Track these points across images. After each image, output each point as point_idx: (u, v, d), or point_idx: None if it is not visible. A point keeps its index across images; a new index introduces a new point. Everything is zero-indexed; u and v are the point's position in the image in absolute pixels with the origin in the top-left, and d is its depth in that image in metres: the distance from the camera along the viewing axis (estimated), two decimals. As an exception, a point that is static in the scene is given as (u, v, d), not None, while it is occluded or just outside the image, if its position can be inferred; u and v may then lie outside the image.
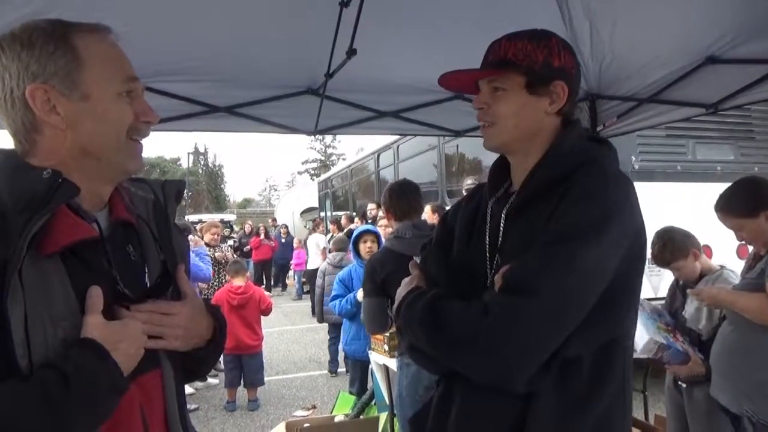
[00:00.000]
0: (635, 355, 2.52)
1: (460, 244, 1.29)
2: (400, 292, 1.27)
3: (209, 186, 53.79)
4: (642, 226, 1.12)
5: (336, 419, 4.04)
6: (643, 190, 4.80)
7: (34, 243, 0.83)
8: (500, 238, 1.20)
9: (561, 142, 1.19)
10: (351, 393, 4.86)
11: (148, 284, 1.03)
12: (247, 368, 5.50)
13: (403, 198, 2.99)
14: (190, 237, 6.38)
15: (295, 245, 13.61)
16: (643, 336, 2.60)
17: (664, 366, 2.71)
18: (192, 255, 5.55)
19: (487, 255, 1.21)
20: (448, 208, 1.50)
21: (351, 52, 2.44)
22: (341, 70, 2.68)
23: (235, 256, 6.83)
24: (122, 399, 0.90)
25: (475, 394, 1.12)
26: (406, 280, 1.30)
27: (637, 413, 3.31)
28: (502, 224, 1.20)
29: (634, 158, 4.96)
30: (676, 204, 4.54)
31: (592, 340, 1.08)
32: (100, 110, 0.94)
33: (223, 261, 6.42)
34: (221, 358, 5.88)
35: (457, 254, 1.28)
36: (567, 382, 1.06)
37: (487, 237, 1.23)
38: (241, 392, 5.61)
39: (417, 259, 1.36)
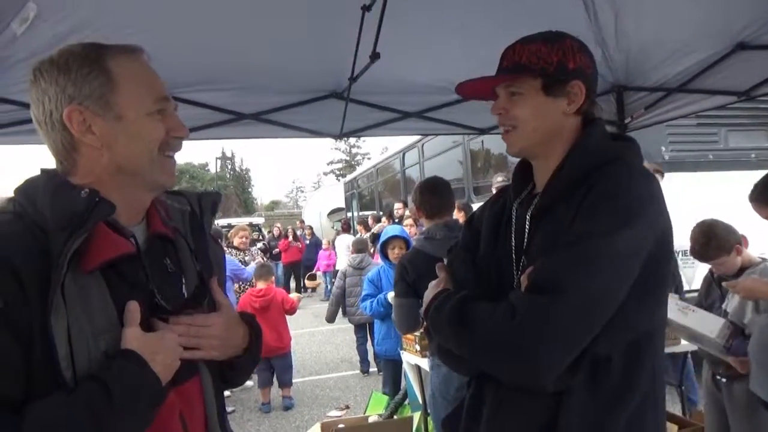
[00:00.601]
0: (712, 338, 2.49)
1: (487, 246, 1.30)
2: (428, 294, 1.28)
3: (237, 190, 54.44)
4: (668, 222, 1.12)
5: (370, 419, 4.07)
6: (675, 180, 4.76)
7: (74, 260, 0.87)
8: (526, 240, 1.20)
9: (583, 141, 1.19)
10: (384, 393, 4.88)
11: (186, 295, 1.06)
12: (276, 369, 5.60)
13: (434, 196, 2.96)
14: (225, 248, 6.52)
15: (324, 246, 13.69)
16: (718, 320, 2.56)
17: (725, 357, 2.60)
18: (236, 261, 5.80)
19: (513, 257, 1.22)
20: (474, 206, 1.50)
21: (375, 56, 2.46)
22: (365, 73, 2.71)
23: (264, 259, 6.91)
24: (163, 407, 0.94)
25: (506, 395, 1.13)
26: (433, 282, 1.32)
27: (675, 408, 3.26)
28: (527, 226, 1.21)
29: (664, 149, 4.88)
30: (709, 194, 4.45)
31: (621, 338, 1.08)
32: (133, 129, 0.97)
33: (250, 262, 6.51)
34: None
35: (483, 256, 1.29)
36: (598, 380, 1.06)
37: (513, 239, 1.24)
38: (276, 393, 5.68)
39: (445, 261, 1.38)
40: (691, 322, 2.63)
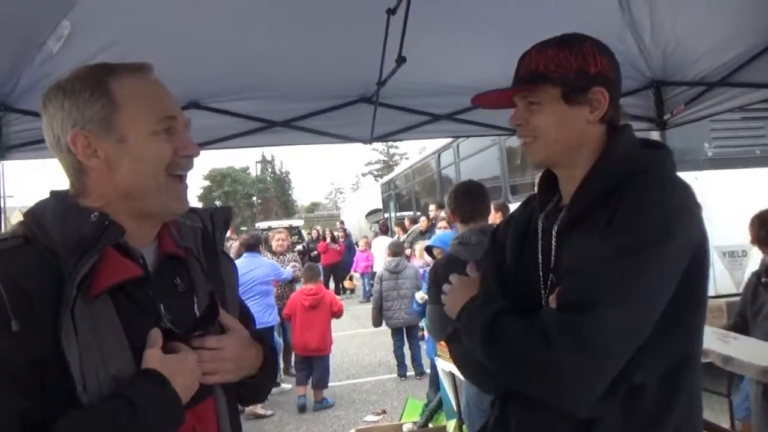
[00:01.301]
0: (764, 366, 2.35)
1: (513, 261, 1.25)
2: (455, 293, 1.23)
3: (277, 192, 55.29)
4: (704, 233, 1.05)
5: (404, 427, 4.04)
6: (719, 178, 4.55)
7: (84, 283, 0.87)
8: (553, 257, 1.15)
9: (610, 151, 1.13)
10: (428, 395, 4.84)
11: (197, 314, 1.06)
12: (314, 370, 5.66)
13: (467, 200, 2.89)
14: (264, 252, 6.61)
15: (361, 247, 13.74)
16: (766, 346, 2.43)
17: None
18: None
19: (540, 274, 1.17)
20: (511, 207, 1.45)
21: (401, 59, 2.44)
22: (393, 77, 2.69)
23: (297, 265, 6.93)
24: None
25: (532, 418, 1.09)
26: (461, 279, 1.27)
27: (722, 419, 3.11)
28: (553, 241, 1.15)
29: (707, 145, 4.67)
30: (756, 191, 4.23)
31: (658, 362, 1.02)
32: (136, 150, 0.96)
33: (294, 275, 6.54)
34: (292, 358, 6.08)
35: (509, 272, 1.24)
36: (633, 405, 1.01)
37: (539, 255, 1.18)
38: (311, 395, 5.73)
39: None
40: (735, 351, 2.48)
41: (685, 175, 1.11)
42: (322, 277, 6.60)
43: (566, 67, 1.11)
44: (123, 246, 0.96)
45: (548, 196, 1.25)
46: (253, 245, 5.81)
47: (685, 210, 1.02)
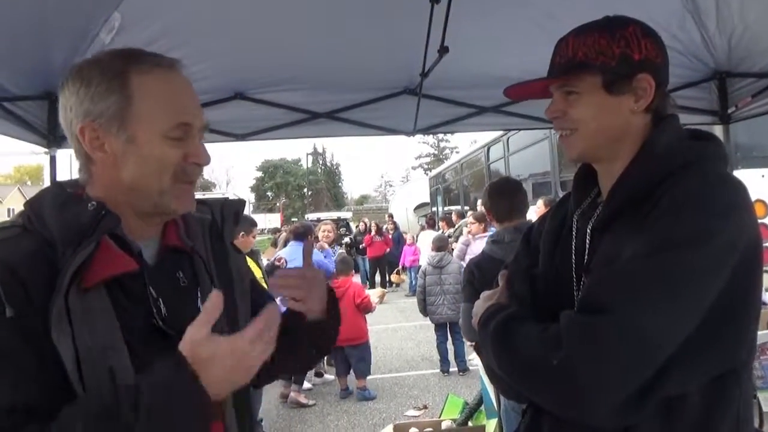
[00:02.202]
0: None
1: (545, 262, 1.17)
2: (479, 304, 1.18)
3: (328, 184, 55.96)
4: (756, 233, 0.94)
5: (443, 424, 3.99)
6: (790, 175, 4.23)
7: (79, 274, 0.85)
8: (587, 256, 1.07)
9: (653, 142, 1.03)
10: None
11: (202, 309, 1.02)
12: (351, 359, 5.71)
13: (502, 198, 2.80)
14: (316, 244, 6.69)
15: (408, 241, 13.70)
16: None
17: None
18: (320, 254, 6.00)
19: (574, 275, 1.08)
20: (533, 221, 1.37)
21: (443, 49, 2.38)
22: (436, 68, 2.62)
23: (339, 254, 7.01)
24: None
25: (563, 429, 1.01)
26: (487, 293, 1.21)
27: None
28: (588, 240, 1.07)
29: (775, 141, 4.39)
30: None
31: (699, 374, 0.92)
32: (145, 151, 0.93)
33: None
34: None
35: (542, 273, 1.16)
36: (673, 417, 0.92)
37: (572, 255, 1.10)
38: (353, 385, 5.74)
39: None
40: None
41: (751, 173, 1.01)
42: (354, 271, 6.59)
43: (608, 54, 1.02)
44: (121, 238, 0.93)
45: (585, 192, 1.16)
46: (302, 234, 5.86)
47: (732, 208, 0.91)
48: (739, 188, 0.94)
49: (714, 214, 0.90)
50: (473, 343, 3.75)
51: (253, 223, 5.00)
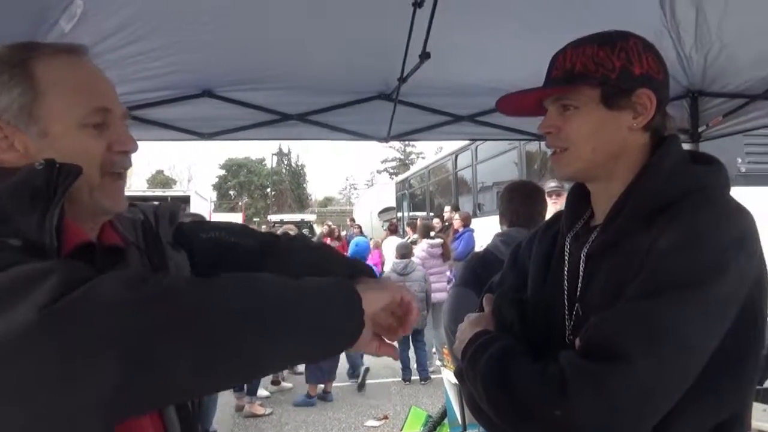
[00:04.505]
0: None
1: (535, 287, 1.10)
2: (464, 330, 1.08)
3: (292, 185, 55.45)
4: (764, 268, 0.89)
5: (407, 438, 3.91)
6: (752, 195, 4.36)
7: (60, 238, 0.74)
8: (580, 284, 0.99)
9: (655, 165, 0.96)
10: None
11: None
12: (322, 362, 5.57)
13: (523, 203, 2.49)
14: None
15: (371, 246, 13.60)
16: None
17: None
18: None
19: (566, 303, 1.01)
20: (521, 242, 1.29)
21: (425, 55, 2.31)
22: (415, 74, 2.55)
23: None
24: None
25: None
26: (472, 317, 1.12)
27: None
28: (581, 266, 1.00)
29: (740, 160, 4.49)
30: (792, 211, 4.04)
31: (703, 420, 0.87)
32: (62, 145, 0.83)
33: None
34: None
35: (531, 299, 1.09)
36: None
37: (565, 281, 1.03)
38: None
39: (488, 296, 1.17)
40: None
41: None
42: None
43: (608, 66, 0.96)
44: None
45: (578, 213, 1.09)
46: None
47: (743, 240, 0.86)
48: (749, 218, 0.88)
49: (726, 249, 0.84)
50: (444, 351, 3.67)
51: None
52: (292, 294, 0.72)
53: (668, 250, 0.85)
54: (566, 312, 1.01)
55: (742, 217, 0.88)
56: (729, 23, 2.38)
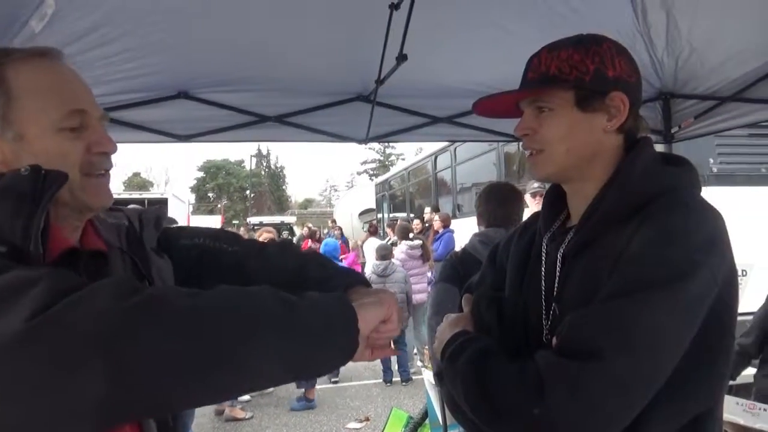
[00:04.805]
0: None
1: (512, 287, 1.11)
2: (443, 330, 1.10)
3: (271, 187, 55.13)
4: (733, 267, 0.92)
5: (388, 439, 3.91)
6: (723, 195, 4.46)
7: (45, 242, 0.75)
8: (557, 284, 1.01)
9: (628, 166, 0.99)
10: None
11: None
12: None
13: (499, 204, 2.53)
14: None
15: (351, 246, 13.58)
16: None
17: None
18: None
19: (543, 303, 1.03)
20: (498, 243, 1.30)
21: (401, 57, 2.32)
22: (392, 76, 2.56)
23: None
24: None
25: None
26: (451, 318, 1.14)
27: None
28: (558, 267, 1.02)
29: (712, 161, 4.58)
30: (760, 209, 4.14)
31: (678, 415, 0.89)
32: (39, 149, 0.82)
33: None
34: None
35: (509, 299, 1.10)
36: None
37: (542, 281, 1.04)
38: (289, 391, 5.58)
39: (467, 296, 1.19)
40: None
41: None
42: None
43: (582, 69, 0.98)
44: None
45: (554, 214, 1.11)
46: None
47: (715, 240, 0.88)
48: (719, 219, 0.90)
49: (698, 248, 0.86)
50: (425, 352, 3.66)
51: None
52: (288, 309, 0.72)
53: (641, 249, 0.87)
54: (543, 312, 1.02)
55: (712, 218, 0.90)
56: (698, 27, 2.44)
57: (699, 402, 0.90)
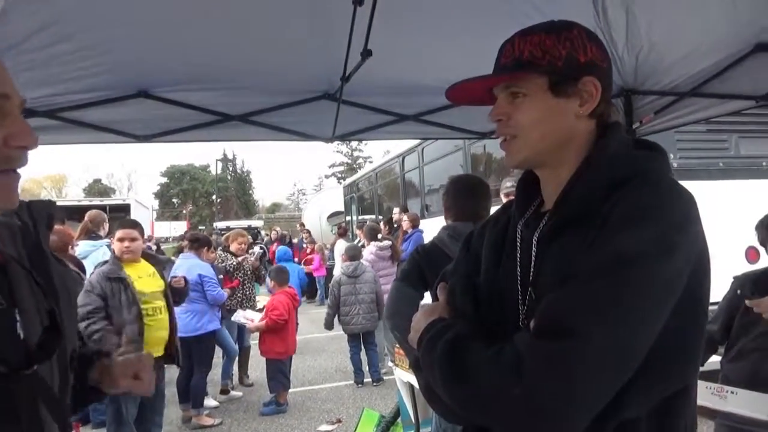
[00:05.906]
0: None
1: (488, 274, 1.10)
2: (419, 319, 1.08)
3: (238, 192, 54.45)
4: (705, 246, 0.93)
5: (359, 440, 3.88)
6: (685, 190, 4.52)
7: None
8: (533, 269, 1.01)
9: (601, 150, 0.99)
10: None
11: (22, 336, 0.82)
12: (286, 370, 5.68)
13: (468, 198, 2.51)
14: (219, 253, 6.32)
15: (316, 249, 13.50)
16: None
17: None
18: (204, 278, 5.29)
19: (519, 288, 1.03)
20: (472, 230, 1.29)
21: (366, 53, 2.29)
22: (358, 73, 2.53)
23: (258, 263, 6.79)
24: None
25: None
26: (427, 306, 1.13)
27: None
28: (533, 252, 1.01)
29: (672, 156, 4.69)
30: (720, 203, 4.26)
31: (654, 393, 0.89)
32: None
33: (248, 268, 6.38)
34: (266, 366, 5.65)
35: (484, 286, 1.10)
36: None
37: (518, 267, 1.04)
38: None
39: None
40: (735, 407, 2.28)
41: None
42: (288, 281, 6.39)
43: (554, 54, 0.98)
44: None
45: (528, 200, 1.11)
46: (198, 246, 5.61)
47: (686, 222, 0.88)
48: (691, 200, 0.91)
49: (672, 227, 0.86)
50: (396, 351, 3.65)
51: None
52: None
53: (615, 231, 0.87)
54: (519, 297, 1.02)
55: (686, 198, 0.91)
56: (657, 24, 2.49)
57: (672, 382, 0.91)
